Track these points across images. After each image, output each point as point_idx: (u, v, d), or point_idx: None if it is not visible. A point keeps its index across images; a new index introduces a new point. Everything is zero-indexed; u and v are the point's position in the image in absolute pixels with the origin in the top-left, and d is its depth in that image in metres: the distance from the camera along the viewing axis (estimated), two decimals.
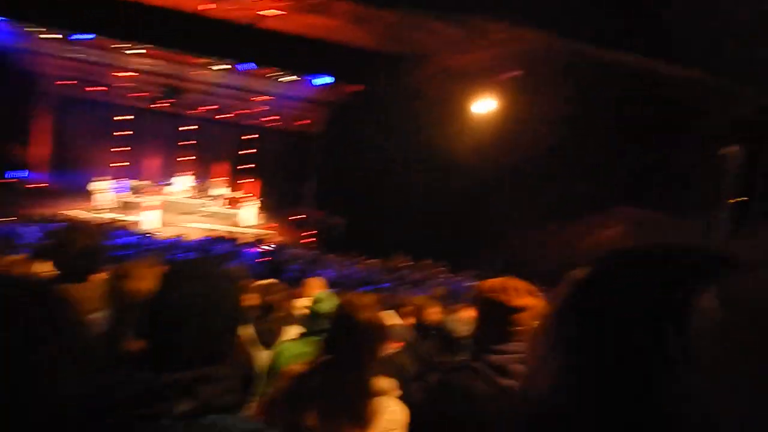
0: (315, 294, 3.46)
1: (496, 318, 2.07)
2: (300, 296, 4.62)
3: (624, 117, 12.77)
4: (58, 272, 2.27)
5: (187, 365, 1.20)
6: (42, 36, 16.85)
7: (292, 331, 3.56)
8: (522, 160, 13.86)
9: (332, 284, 9.04)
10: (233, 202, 20.78)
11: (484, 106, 14.92)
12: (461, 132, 14.92)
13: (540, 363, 0.61)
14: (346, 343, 2.17)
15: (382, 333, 2.44)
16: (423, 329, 3.54)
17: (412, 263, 13.81)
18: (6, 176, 19.74)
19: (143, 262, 2.16)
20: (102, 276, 2.86)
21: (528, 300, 2.06)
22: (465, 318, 3.01)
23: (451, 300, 6.74)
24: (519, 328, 2.07)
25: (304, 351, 2.79)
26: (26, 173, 20.84)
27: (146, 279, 2.00)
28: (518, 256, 15.15)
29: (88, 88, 21.59)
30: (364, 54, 16.01)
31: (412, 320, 3.90)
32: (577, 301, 0.60)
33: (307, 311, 3.26)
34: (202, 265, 1.36)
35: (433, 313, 3.54)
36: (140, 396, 1.13)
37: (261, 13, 16.71)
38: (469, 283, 9.96)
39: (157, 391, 1.14)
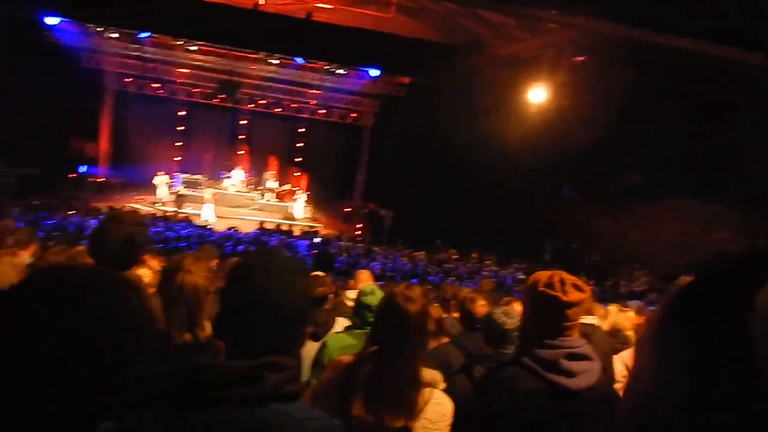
0: (362, 286, 3.50)
1: (547, 312, 2.06)
2: (349, 288, 4.68)
3: (678, 105, 12.30)
4: (97, 262, 2.22)
5: (256, 355, 1.22)
6: (104, 35, 17.45)
7: (340, 323, 3.61)
8: (573, 150, 13.56)
9: (379, 276, 9.11)
10: (284, 195, 21.11)
11: (535, 94, 14.64)
12: (512, 122, 14.69)
13: (646, 366, 0.64)
14: (393, 334, 2.19)
15: (428, 325, 2.46)
16: (469, 322, 3.54)
17: (459, 256, 13.72)
18: (75, 171, 20.68)
19: (195, 255, 2.20)
20: (155, 266, 2.93)
21: (578, 294, 2.05)
22: (513, 311, 3.00)
23: (499, 293, 6.68)
24: (569, 323, 2.06)
25: (350, 343, 2.82)
26: (93, 168, 21.79)
27: (197, 272, 2.05)
28: (567, 249, 14.88)
29: (147, 85, 22.38)
30: (414, 45, 15.96)
31: (458, 313, 3.90)
32: (682, 306, 0.62)
33: (354, 303, 3.30)
34: (273, 256, 1.38)
35: (480, 305, 3.54)
36: (207, 381, 1.16)
37: (313, 6, 16.91)
38: (516, 276, 9.82)
39: (224, 377, 1.17)
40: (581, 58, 13.12)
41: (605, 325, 4.31)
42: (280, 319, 1.30)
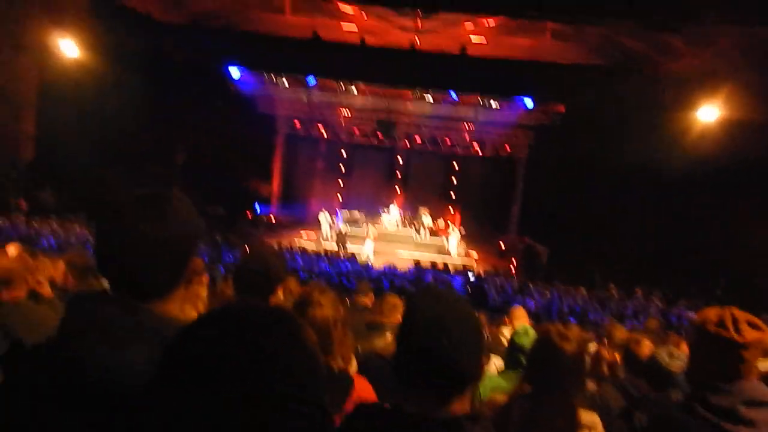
0: (518, 324, 3.44)
1: (718, 354, 1.90)
2: (504, 325, 4.62)
3: None
4: (237, 293, 2.40)
5: (437, 389, 1.26)
6: (277, 82, 19.14)
7: (494, 362, 3.58)
8: (747, 175, 12.21)
9: (536, 314, 8.83)
10: (439, 231, 21.31)
11: (706, 112, 13.47)
12: (679, 143, 13.62)
13: None
14: (548, 374, 2.15)
15: (585, 365, 2.37)
16: (633, 364, 3.33)
17: (621, 292, 12.81)
18: (252, 210, 22.83)
19: (321, 287, 2.28)
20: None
21: (754, 333, 1.87)
22: (678, 352, 2.79)
23: (666, 333, 6.17)
24: (746, 365, 1.89)
25: (503, 386, 2.76)
26: (267, 206, 23.90)
27: (326, 304, 2.11)
28: (744, 282, 13.26)
29: (313, 127, 24.18)
30: (571, 71, 15.53)
31: (620, 354, 3.69)
32: None
33: (508, 343, 3.25)
34: (447, 292, 1.40)
35: (645, 346, 3.31)
36: (408, 427, 1.20)
37: (467, 40, 17.22)
38: (685, 314, 8.94)
39: (426, 425, 1.20)
40: (750, 73, 11.86)
41: None
42: (462, 353, 1.29)
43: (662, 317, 8.50)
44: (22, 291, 2.93)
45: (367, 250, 18.00)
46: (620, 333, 4.22)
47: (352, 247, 18.31)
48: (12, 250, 4.43)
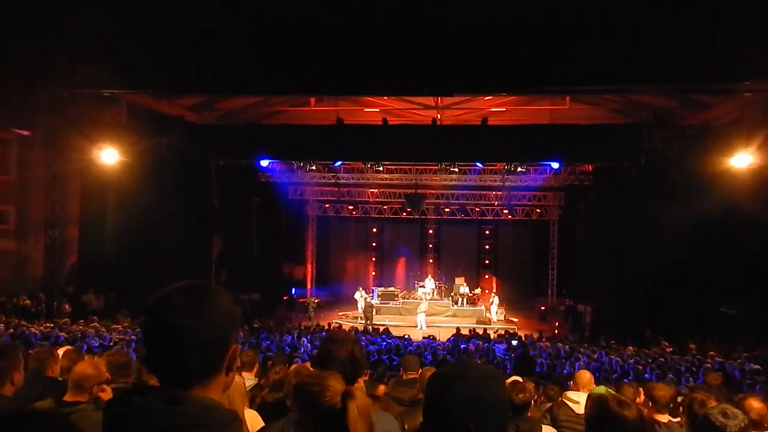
0: (590, 389, 3.27)
1: None
2: (570, 390, 4.43)
3: None
4: None
5: None
6: (305, 169, 19.58)
7: None
8: None
9: None
10: (476, 299, 21.04)
11: (739, 160, 13.28)
12: (715, 193, 13.37)
13: None
14: None
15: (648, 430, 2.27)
16: (695, 423, 3.15)
17: (674, 348, 12.24)
18: (288, 293, 23.02)
19: (331, 373, 2.09)
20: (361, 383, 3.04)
21: None
22: (734, 410, 2.60)
23: (731, 388, 5.88)
24: None
25: None
26: (302, 289, 24.09)
27: (331, 390, 1.91)
28: None
29: (343, 208, 24.57)
30: (594, 131, 15.63)
31: (682, 415, 3.51)
32: None
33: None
34: (470, 367, 1.40)
35: (707, 405, 3.13)
36: None
37: (488, 111, 17.60)
38: (748, 366, 8.42)
39: None
40: None
41: None
42: (487, 428, 1.29)
43: (722, 372, 8.05)
44: (85, 396, 3.07)
45: (420, 323, 18.09)
46: (662, 392, 4.00)
47: (389, 323, 18.17)
48: (63, 353, 4.54)
